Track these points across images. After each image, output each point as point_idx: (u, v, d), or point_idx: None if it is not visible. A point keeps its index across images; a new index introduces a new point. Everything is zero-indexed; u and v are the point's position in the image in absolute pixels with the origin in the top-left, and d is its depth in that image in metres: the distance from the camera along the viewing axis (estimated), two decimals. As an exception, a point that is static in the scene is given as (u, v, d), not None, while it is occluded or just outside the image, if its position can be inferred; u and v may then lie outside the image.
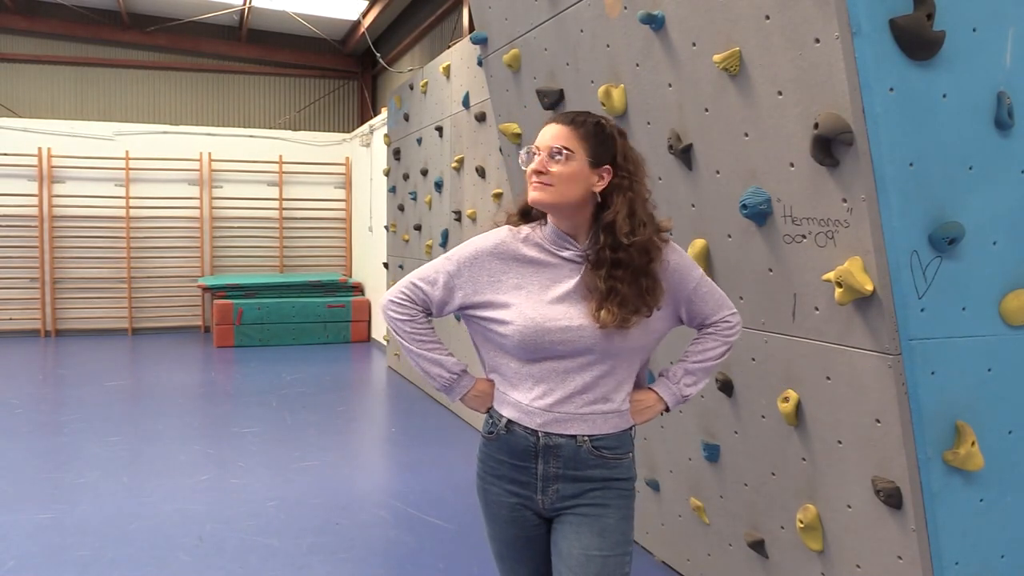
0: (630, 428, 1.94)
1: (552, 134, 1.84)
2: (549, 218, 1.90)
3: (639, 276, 1.81)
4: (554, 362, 1.84)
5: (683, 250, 1.95)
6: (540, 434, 1.86)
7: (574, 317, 1.82)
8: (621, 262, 1.80)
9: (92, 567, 3.64)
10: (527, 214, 1.97)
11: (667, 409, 2.00)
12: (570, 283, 1.85)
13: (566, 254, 1.87)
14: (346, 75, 12.67)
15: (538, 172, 1.83)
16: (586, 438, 1.86)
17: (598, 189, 1.84)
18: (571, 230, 1.88)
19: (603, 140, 1.85)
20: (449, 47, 7.21)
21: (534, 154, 1.85)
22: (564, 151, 1.81)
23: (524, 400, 1.87)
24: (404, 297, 1.94)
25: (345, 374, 8.62)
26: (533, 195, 1.84)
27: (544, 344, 1.82)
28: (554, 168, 1.81)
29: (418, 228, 7.46)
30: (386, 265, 8.70)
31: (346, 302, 10.46)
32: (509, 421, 1.89)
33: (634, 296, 1.81)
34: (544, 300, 1.83)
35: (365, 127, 10.73)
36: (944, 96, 2.15)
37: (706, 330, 1.99)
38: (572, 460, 1.86)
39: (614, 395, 1.88)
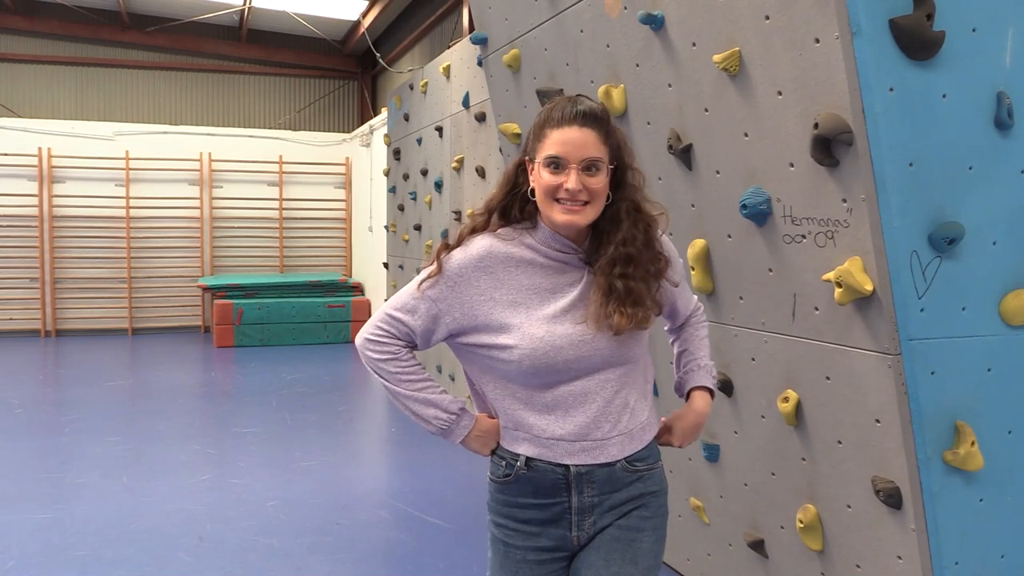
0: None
1: (581, 141, 1.60)
2: (543, 221, 1.69)
3: (649, 272, 1.68)
4: (569, 385, 1.65)
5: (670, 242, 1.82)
6: (570, 465, 1.67)
7: (585, 331, 1.64)
8: (633, 259, 1.65)
9: (92, 567, 3.64)
10: (505, 215, 1.74)
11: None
12: (573, 292, 1.67)
13: (566, 258, 1.69)
14: (346, 75, 12.67)
15: (573, 192, 1.60)
16: (620, 460, 1.70)
17: (609, 190, 1.66)
18: (574, 234, 1.69)
19: (614, 133, 1.67)
20: (449, 47, 7.21)
21: (559, 166, 1.61)
22: (598, 162, 1.61)
23: (543, 433, 1.67)
24: (383, 333, 1.70)
25: (345, 374, 8.62)
26: (567, 218, 1.62)
27: (557, 366, 1.63)
28: (591, 183, 1.61)
29: (418, 228, 7.46)
30: (386, 265, 8.70)
31: (346, 302, 10.46)
32: (528, 458, 1.69)
33: (646, 294, 1.66)
34: (548, 315, 1.64)
35: (365, 127, 10.74)
36: (944, 96, 2.15)
37: (689, 321, 1.90)
38: (607, 483, 1.69)
39: (638, 406, 1.72)
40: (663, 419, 1.86)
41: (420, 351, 1.76)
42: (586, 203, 1.62)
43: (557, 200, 1.62)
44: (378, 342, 1.71)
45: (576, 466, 1.67)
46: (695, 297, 1.93)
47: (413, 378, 1.71)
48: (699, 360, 1.89)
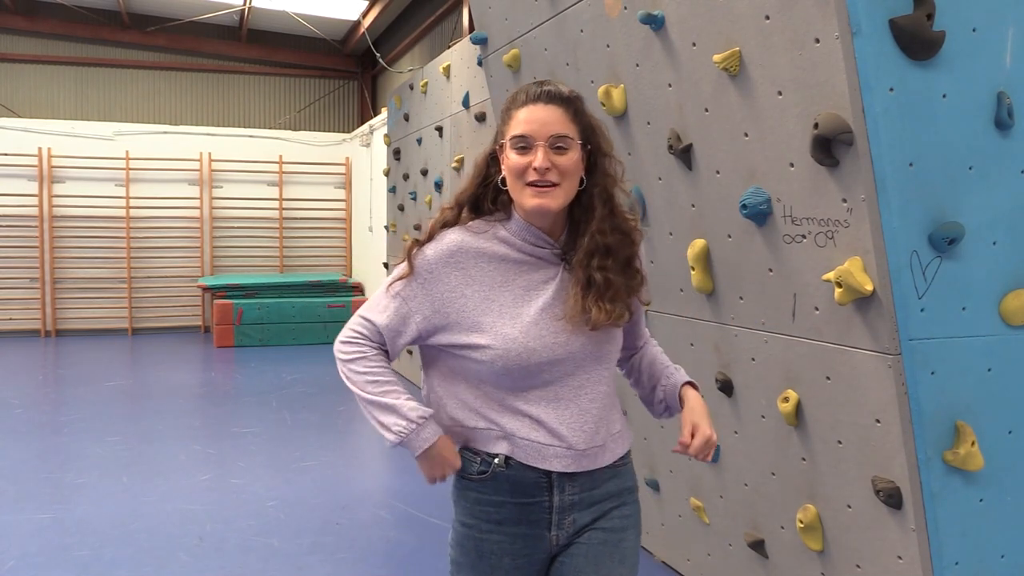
0: None
1: (547, 119, 1.54)
2: (517, 212, 1.62)
3: (627, 265, 1.62)
4: (542, 390, 1.58)
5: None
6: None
7: (560, 331, 1.57)
8: (611, 249, 1.59)
9: (92, 567, 3.64)
10: (477, 207, 1.67)
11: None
12: (548, 289, 1.60)
13: (541, 253, 1.62)
14: (346, 75, 12.68)
15: (541, 169, 1.53)
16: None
17: (582, 173, 1.59)
18: (549, 226, 1.62)
19: (584, 114, 1.61)
20: (449, 47, 7.21)
21: (526, 145, 1.55)
22: (565, 138, 1.55)
23: (519, 435, 1.59)
24: (354, 334, 1.65)
25: (345, 374, 8.61)
26: (537, 201, 1.55)
27: (531, 368, 1.56)
28: (560, 161, 1.54)
29: (418, 228, 7.46)
30: (386, 265, 8.70)
31: (346, 302, 10.45)
32: (507, 456, 1.60)
33: (624, 288, 1.61)
34: (522, 314, 1.57)
35: (365, 127, 10.74)
36: (944, 96, 2.15)
37: (648, 343, 1.85)
38: (588, 481, 1.63)
39: (614, 409, 1.67)
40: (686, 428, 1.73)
41: (392, 359, 1.68)
42: (556, 184, 1.55)
43: (527, 184, 1.56)
44: (348, 342, 1.65)
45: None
46: (647, 333, 1.88)
47: (379, 379, 1.61)
48: (670, 367, 1.82)
